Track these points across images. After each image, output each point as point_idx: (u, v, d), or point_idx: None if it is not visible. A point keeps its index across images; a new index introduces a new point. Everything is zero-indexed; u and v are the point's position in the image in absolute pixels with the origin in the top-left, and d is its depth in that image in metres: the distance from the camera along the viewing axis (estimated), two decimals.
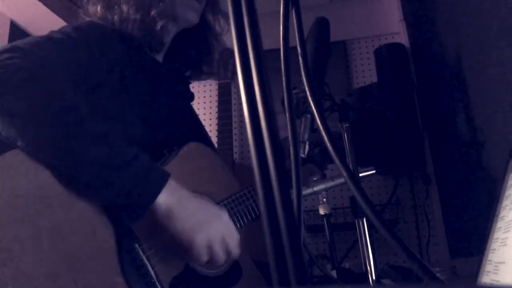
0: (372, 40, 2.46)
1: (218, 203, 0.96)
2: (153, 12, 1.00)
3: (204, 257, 0.81)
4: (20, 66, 0.74)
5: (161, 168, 0.81)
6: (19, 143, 0.72)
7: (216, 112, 2.36)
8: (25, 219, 0.68)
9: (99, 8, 1.02)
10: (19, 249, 0.66)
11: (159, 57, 1.10)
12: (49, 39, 0.85)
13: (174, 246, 0.83)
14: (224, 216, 0.86)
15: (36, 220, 0.69)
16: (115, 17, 1.00)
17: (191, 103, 1.23)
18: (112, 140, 0.77)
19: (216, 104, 2.39)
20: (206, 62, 1.20)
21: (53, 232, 0.70)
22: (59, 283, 0.68)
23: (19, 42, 0.80)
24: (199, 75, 1.22)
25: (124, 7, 1.00)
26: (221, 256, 0.83)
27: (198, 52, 1.18)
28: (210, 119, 2.50)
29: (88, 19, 1.05)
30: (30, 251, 0.67)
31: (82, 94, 0.83)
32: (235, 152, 2.39)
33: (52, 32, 0.89)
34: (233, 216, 0.99)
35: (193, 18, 1.09)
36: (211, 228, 0.81)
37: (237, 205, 0.99)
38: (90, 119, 0.77)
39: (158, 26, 1.01)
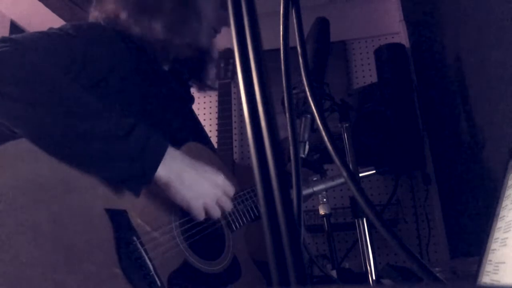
0: (372, 40, 2.46)
1: None
2: (179, 41, 1.03)
3: (201, 217, 0.89)
4: (11, 54, 0.75)
5: (158, 137, 0.84)
6: (17, 130, 0.73)
7: (216, 112, 2.36)
8: (23, 209, 0.69)
9: (125, 14, 1.01)
10: (17, 239, 0.66)
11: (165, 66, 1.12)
12: (44, 33, 0.86)
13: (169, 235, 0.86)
14: (219, 179, 0.91)
15: (35, 211, 0.69)
16: (138, 29, 1.00)
17: (192, 106, 1.23)
18: (108, 113, 0.80)
19: (216, 104, 2.38)
20: (203, 73, 1.20)
21: (51, 223, 0.71)
22: (57, 273, 0.68)
23: (15, 36, 0.82)
24: (201, 84, 1.22)
25: (154, 25, 1.01)
26: (216, 214, 0.91)
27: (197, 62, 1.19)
28: (210, 119, 2.50)
29: (92, 20, 1.05)
30: (28, 242, 0.67)
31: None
32: (235, 152, 2.39)
33: (50, 28, 0.90)
34: (232, 215, 1.00)
35: (207, 44, 1.13)
36: (207, 196, 0.88)
37: (237, 205, 1.00)
38: (84, 97, 0.79)
39: (178, 51, 1.04)
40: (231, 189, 0.94)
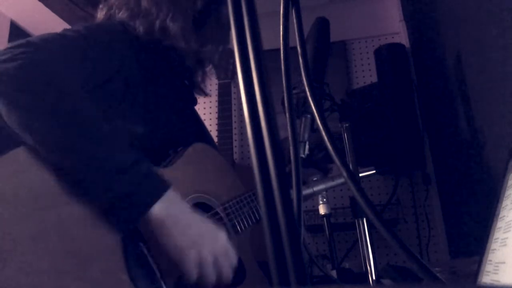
0: (372, 40, 2.46)
1: (222, 204, 0.96)
2: (184, 44, 1.01)
3: (194, 276, 0.78)
4: (32, 61, 0.75)
5: (160, 177, 0.78)
6: (23, 136, 0.73)
7: (216, 112, 2.36)
8: (31, 215, 0.69)
9: (134, 14, 1.00)
10: (24, 245, 0.66)
11: None
12: (62, 37, 0.85)
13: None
14: (221, 235, 0.82)
15: (42, 217, 0.70)
16: (144, 28, 0.99)
17: (194, 107, 1.23)
18: (114, 142, 0.77)
19: (216, 104, 2.39)
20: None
21: (58, 228, 0.71)
22: (64, 279, 0.68)
23: (33, 38, 0.81)
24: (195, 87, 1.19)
25: (169, 27, 0.99)
26: (210, 278, 0.79)
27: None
28: (210, 119, 2.50)
29: (100, 18, 1.05)
30: (35, 248, 0.67)
31: (89, 92, 0.84)
32: (235, 152, 2.39)
33: (66, 30, 0.90)
34: (237, 217, 1.00)
35: (210, 51, 1.10)
36: (203, 247, 0.78)
37: (242, 207, 1.00)
38: (95, 119, 0.77)
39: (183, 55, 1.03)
40: (233, 254, 0.83)
